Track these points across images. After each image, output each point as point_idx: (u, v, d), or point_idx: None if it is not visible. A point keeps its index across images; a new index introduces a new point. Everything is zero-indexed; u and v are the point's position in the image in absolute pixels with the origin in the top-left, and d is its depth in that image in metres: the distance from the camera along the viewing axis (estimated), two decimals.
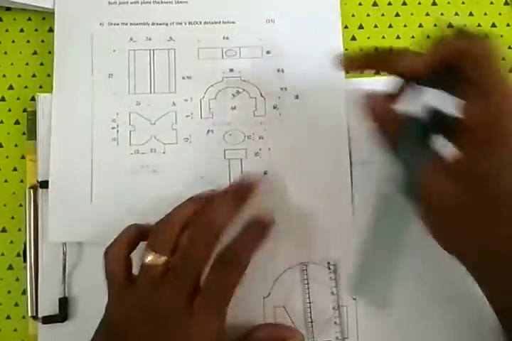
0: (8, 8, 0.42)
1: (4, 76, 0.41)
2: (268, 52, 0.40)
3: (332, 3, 0.41)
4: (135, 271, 0.33)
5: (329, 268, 0.38)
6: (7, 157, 0.40)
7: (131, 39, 0.40)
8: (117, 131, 0.39)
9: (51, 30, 0.41)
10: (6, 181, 0.40)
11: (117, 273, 0.33)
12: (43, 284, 0.37)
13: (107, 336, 0.32)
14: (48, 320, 0.37)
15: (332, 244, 0.38)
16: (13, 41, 0.42)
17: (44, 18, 0.42)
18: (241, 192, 0.34)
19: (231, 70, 0.40)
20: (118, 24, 0.40)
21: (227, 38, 0.40)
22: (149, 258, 0.32)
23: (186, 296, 0.31)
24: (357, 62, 0.31)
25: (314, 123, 0.39)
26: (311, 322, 0.37)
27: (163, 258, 0.32)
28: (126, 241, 0.34)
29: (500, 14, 0.43)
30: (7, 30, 0.42)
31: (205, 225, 0.32)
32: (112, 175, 0.38)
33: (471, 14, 0.43)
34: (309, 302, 0.38)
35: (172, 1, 0.41)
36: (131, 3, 0.41)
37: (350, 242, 0.38)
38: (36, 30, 0.42)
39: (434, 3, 0.43)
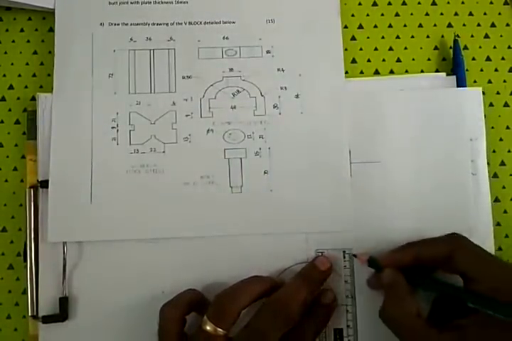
0: (8, 8, 0.42)
1: (4, 76, 0.41)
2: (268, 52, 0.40)
3: (332, 3, 0.41)
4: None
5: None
6: (7, 157, 0.40)
7: (131, 39, 0.40)
8: (117, 131, 0.39)
9: (51, 30, 0.41)
10: (6, 181, 0.40)
11: (171, 332, 0.34)
12: (43, 284, 0.37)
13: None
14: (48, 319, 0.37)
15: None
16: (13, 41, 0.42)
17: (44, 18, 0.42)
18: (317, 278, 0.36)
19: (231, 70, 0.40)
20: (118, 24, 0.40)
21: (227, 38, 0.40)
22: (208, 328, 0.32)
23: None
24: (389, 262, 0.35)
25: (314, 122, 0.39)
26: None
27: (222, 331, 0.32)
28: (184, 304, 0.35)
29: (500, 14, 0.43)
30: (7, 30, 0.42)
31: (281, 310, 0.33)
32: (111, 175, 0.38)
33: (470, 14, 0.43)
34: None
35: (172, 1, 0.41)
36: (131, 3, 0.41)
37: (350, 245, 0.38)
38: (36, 30, 0.42)
39: (433, 3, 0.43)
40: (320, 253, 0.38)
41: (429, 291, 0.35)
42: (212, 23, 0.41)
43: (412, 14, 0.43)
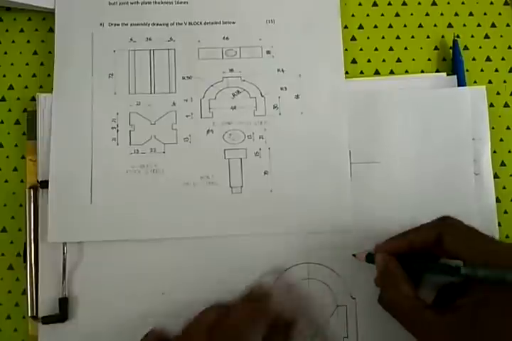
0: (8, 8, 0.42)
1: (4, 76, 0.41)
2: (268, 52, 0.40)
3: (332, 4, 0.41)
4: None
5: (330, 267, 0.38)
6: (7, 157, 0.40)
7: (131, 39, 0.40)
8: (117, 131, 0.39)
9: (51, 30, 0.41)
10: (6, 181, 0.40)
11: None
12: (43, 284, 0.37)
13: None
14: (48, 320, 0.37)
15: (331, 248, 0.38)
16: (13, 41, 0.42)
17: (44, 18, 0.42)
18: (258, 298, 0.35)
19: (231, 70, 0.40)
20: (118, 24, 0.40)
21: (227, 38, 0.40)
22: None
23: None
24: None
25: (314, 122, 0.39)
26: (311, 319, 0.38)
27: None
28: None
29: (500, 14, 0.43)
30: (7, 30, 0.42)
31: (230, 335, 0.32)
32: (111, 175, 0.38)
33: (471, 14, 0.43)
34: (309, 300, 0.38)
35: (172, 1, 0.41)
36: (131, 3, 0.41)
37: (351, 245, 0.38)
38: (36, 30, 0.42)
39: (434, 3, 0.43)
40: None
41: (422, 272, 0.34)
42: (212, 23, 0.41)
43: (412, 14, 0.43)
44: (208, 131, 0.39)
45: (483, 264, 0.30)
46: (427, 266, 0.34)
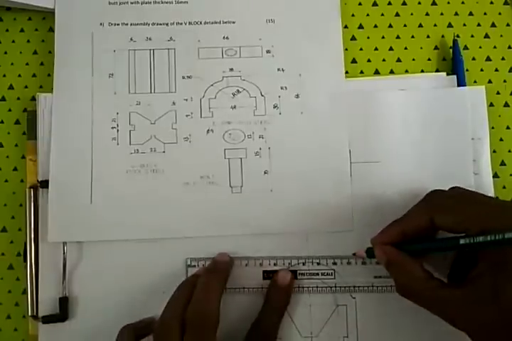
0: (8, 8, 0.42)
1: (4, 76, 0.41)
2: (268, 52, 0.40)
3: (332, 3, 0.41)
4: None
5: (330, 267, 0.38)
6: (7, 157, 0.40)
7: (131, 39, 0.40)
8: (117, 131, 0.39)
9: (51, 30, 0.41)
10: (6, 181, 0.40)
11: None
12: (43, 284, 0.38)
13: None
14: (48, 319, 0.37)
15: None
16: (13, 41, 0.42)
17: (44, 18, 0.42)
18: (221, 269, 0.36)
19: (231, 70, 0.40)
20: (118, 24, 0.40)
21: (227, 38, 0.40)
22: None
23: None
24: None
25: (314, 122, 0.39)
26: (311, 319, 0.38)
27: None
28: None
29: (500, 14, 0.43)
30: (7, 30, 0.42)
31: (199, 319, 0.33)
32: (111, 175, 0.38)
33: (471, 14, 0.43)
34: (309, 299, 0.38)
35: (172, 1, 0.41)
36: (131, 3, 0.41)
37: (351, 245, 0.38)
38: (36, 30, 0.42)
39: (434, 3, 0.43)
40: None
41: (426, 253, 0.34)
42: (212, 23, 0.41)
43: (412, 14, 0.43)
44: (207, 131, 0.39)
45: (480, 231, 0.29)
46: (428, 245, 0.33)
